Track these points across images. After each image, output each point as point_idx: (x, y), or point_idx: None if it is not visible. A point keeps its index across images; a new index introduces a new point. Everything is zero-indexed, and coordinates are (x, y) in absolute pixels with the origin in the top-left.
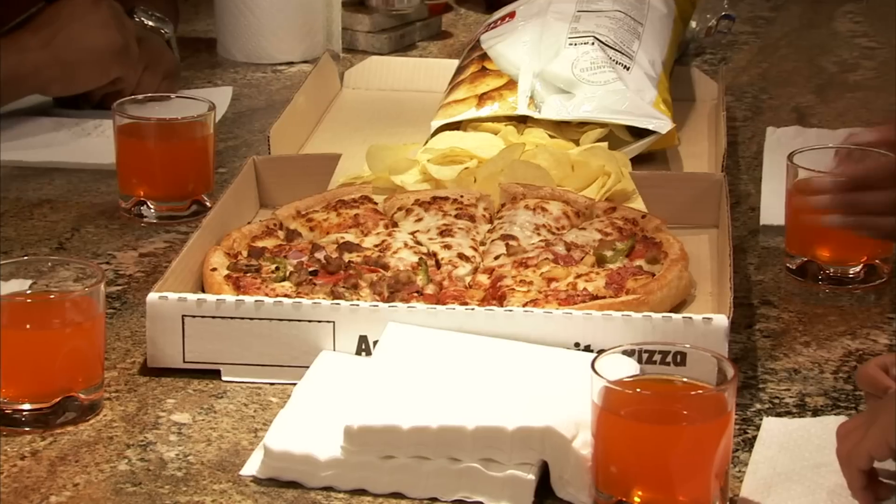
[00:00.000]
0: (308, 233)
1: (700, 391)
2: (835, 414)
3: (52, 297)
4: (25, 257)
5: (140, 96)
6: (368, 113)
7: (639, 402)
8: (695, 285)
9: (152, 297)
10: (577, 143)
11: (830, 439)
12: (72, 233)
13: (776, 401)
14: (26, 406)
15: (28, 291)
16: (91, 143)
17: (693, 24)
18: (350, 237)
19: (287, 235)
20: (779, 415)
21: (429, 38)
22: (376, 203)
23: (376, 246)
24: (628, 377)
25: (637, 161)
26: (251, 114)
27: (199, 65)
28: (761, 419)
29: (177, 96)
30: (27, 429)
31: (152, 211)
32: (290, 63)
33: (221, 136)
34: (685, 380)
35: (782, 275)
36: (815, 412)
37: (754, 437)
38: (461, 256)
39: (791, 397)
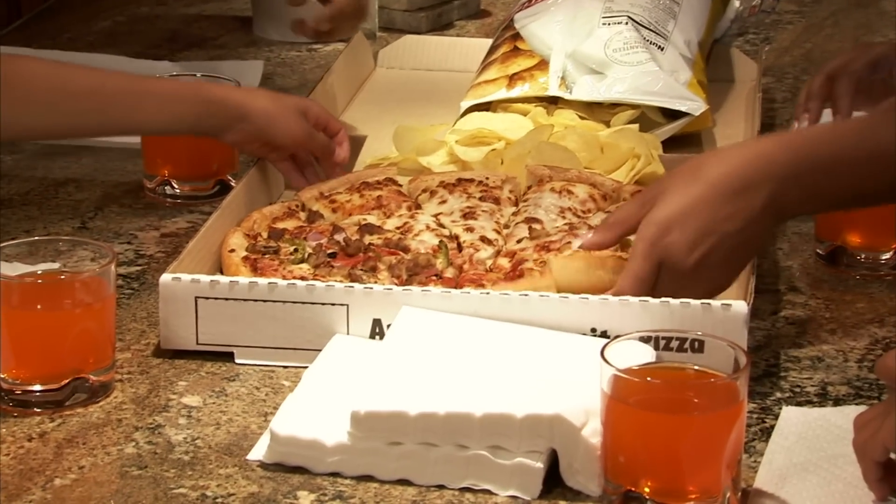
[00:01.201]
0: (330, 214)
1: (710, 380)
2: (856, 404)
3: (62, 277)
4: (35, 238)
5: (165, 75)
6: (401, 93)
7: (648, 391)
8: None
9: (165, 278)
10: (607, 124)
11: (850, 429)
12: (95, 212)
13: (797, 389)
14: (37, 387)
15: (39, 272)
16: None
17: (737, 2)
18: (372, 219)
19: (308, 217)
20: (798, 404)
21: (467, 17)
22: (400, 185)
23: (398, 228)
24: (638, 365)
25: (670, 143)
26: (282, 92)
27: (233, 43)
28: (780, 408)
29: (202, 74)
30: (37, 410)
31: (176, 190)
32: (326, 41)
33: None
34: (696, 368)
35: (812, 261)
36: (837, 401)
37: (772, 427)
38: (483, 239)
39: (812, 386)
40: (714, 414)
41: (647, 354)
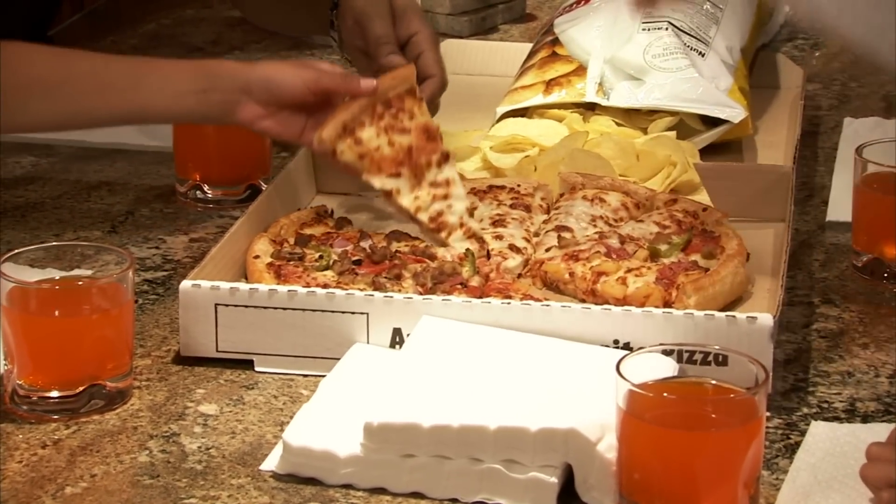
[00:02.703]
0: (357, 161)
1: (728, 395)
2: (886, 420)
3: (79, 283)
4: (54, 243)
5: None
6: (441, 97)
7: (663, 407)
8: (752, 282)
9: (185, 284)
10: (645, 131)
11: None
12: (126, 216)
13: (825, 405)
14: (54, 394)
15: (57, 278)
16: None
17: (787, 7)
18: (404, 196)
19: (337, 223)
20: (826, 420)
21: (512, 21)
22: (421, 103)
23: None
24: (654, 380)
25: (711, 150)
26: None
27: (275, 46)
28: (807, 424)
29: None
30: (54, 417)
31: (208, 195)
32: None
33: None
34: (714, 382)
35: (848, 272)
36: (865, 418)
37: (797, 443)
38: (512, 248)
39: (841, 402)
40: (731, 430)
41: (669, 368)
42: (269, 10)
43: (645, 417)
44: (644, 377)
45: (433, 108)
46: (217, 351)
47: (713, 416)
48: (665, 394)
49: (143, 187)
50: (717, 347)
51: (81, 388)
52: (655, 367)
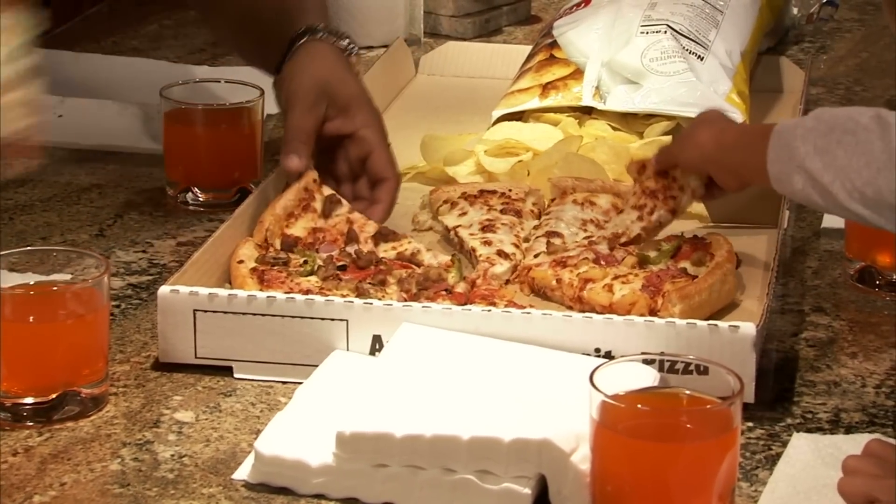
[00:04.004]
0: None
1: (702, 406)
2: (869, 431)
3: (54, 288)
4: (28, 248)
5: (189, 81)
6: (439, 100)
7: (636, 418)
8: (742, 289)
9: (163, 290)
10: (641, 136)
11: None
12: (115, 219)
13: (808, 416)
14: (28, 400)
15: (32, 283)
16: (154, 127)
17: (794, 10)
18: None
19: (324, 209)
20: (809, 430)
21: (516, 23)
22: None
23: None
24: (627, 391)
25: None
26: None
27: None
28: (790, 434)
29: (226, 80)
30: (30, 423)
31: (199, 198)
32: (370, 47)
33: None
34: (688, 393)
35: (841, 280)
36: (849, 429)
37: (778, 455)
38: (500, 254)
39: (825, 412)
40: (705, 442)
41: (649, 377)
42: (230, 39)
43: (617, 429)
44: (623, 387)
45: (389, 207)
46: (196, 357)
47: (687, 427)
48: (639, 405)
49: (135, 190)
50: (691, 357)
51: (55, 395)
52: (635, 376)
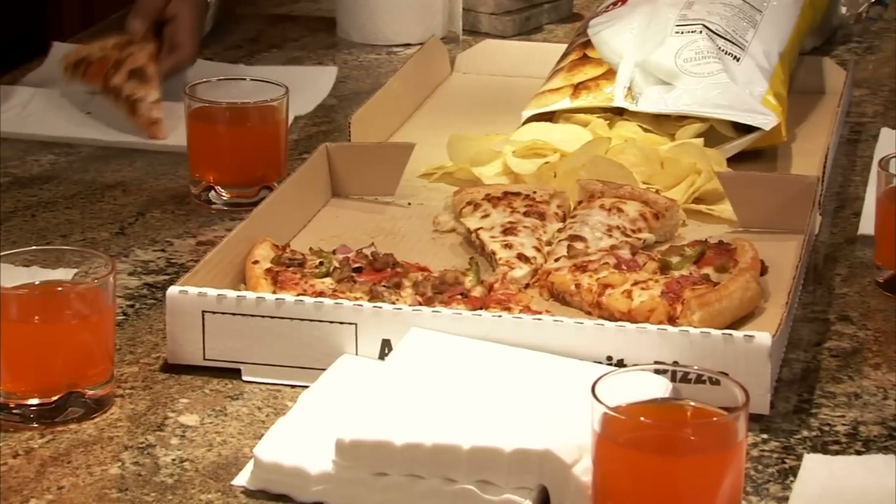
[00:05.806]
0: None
1: (705, 418)
2: (887, 446)
3: (59, 289)
4: (34, 248)
5: (213, 79)
6: (473, 99)
7: (638, 430)
8: (767, 296)
9: (172, 290)
10: (673, 138)
11: (876, 481)
12: (136, 217)
13: (826, 428)
14: (32, 401)
15: (37, 283)
16: (179, 125)
17: (843, 9)
18: None
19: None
20: (825, 444)
21: (557, 21)
22: None
23: None
24: (630, 402)
25: (743, 158)
26: (353, 97)
27: (314, 45)
28: (805, 448)
29: (251, 79)
30: (34, 425)
31: (223, 197)
32: (408, 45)
33: (317, 119)
34: (693, 404)
35: (870, 289)
36: (867, 443)
37: (792, 468)
38: (521, 257)
39: (844, 425)
40: (708, 455)
41: (661, 388)
42: None
43: (619, 440)
44: (632, 397)
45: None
46: (204, 359)
47: (690, 439)
48: (641, 417)
49: (159, 188)
50: (696, 368)
51: (59, 396)
52: (646, 386)
